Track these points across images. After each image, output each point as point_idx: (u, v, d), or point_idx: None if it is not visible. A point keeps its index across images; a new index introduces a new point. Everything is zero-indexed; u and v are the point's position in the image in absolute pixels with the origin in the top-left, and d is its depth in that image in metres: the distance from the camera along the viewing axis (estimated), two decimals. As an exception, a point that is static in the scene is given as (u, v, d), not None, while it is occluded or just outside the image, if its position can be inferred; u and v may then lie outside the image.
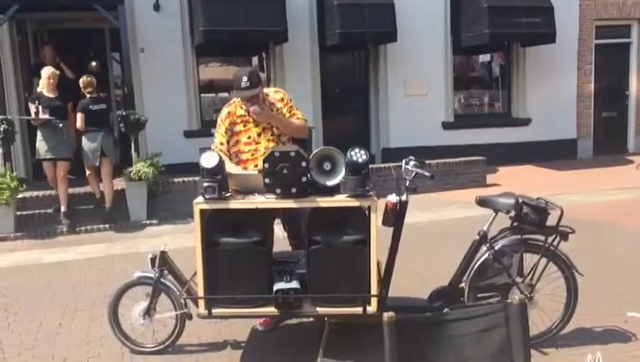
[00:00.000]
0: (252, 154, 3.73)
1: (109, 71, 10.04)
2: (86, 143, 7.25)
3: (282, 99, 3.81)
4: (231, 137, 3.79)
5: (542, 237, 3.45)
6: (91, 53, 9.93)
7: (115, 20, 7.78)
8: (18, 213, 7.16)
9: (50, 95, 7.16)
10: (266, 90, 3.84)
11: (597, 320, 3.89)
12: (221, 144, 3.81)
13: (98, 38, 9.89)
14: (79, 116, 7.18)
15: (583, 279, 3.53)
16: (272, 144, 3.73)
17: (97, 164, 7.29)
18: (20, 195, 7.24)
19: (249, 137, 3.76)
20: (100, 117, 7.33)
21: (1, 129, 7.10)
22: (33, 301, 4.79)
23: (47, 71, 7.24)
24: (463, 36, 10.36)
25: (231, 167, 3.70)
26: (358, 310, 3.32)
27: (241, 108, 3.76)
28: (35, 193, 7.53)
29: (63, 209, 7.15)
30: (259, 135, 3.75)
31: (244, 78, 3.57)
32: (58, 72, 7.32)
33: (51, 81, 7.18)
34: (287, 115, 3.80)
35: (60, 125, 7.04)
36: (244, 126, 3.76)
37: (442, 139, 10.45)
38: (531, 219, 3.40)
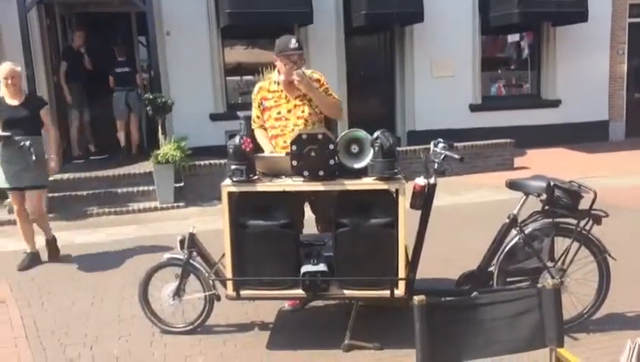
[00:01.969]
0: (281, 130, 3.78)
1: (135, 55, 10.11)
2: (115, 101, 8.85)
3: (319, 80, 3.83)
4: (263, 112, 3.87)
5: (574, 221, 3.39)
6: (118, 37, 10.01)
7: (142, 3, 7.81)
8: (50, 195, 7.29)
9: (14, 102, 5.12)
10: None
11: (629, 305, 3.82)
12: (257, 118, 3.92)
13: (124, 22, 9.95)
14: (110, 78, 8.85)
15: (615, 263, 3.47)
16: (300, 121, 3.75)
17: (126, 118, 8.87)
18: (51, 178, 7.35)
19: (279, 113, 3.80)
20: (125, 78, 8.86)
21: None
22: (65, 281, 4.90)
23: (4, 68, 5.13)
24: (492, 16, 10.15)
25: (263, 141, 3.83)
26: (386, 293, 3.32)
27: (276, 83, 3.81)
28: (65, 175, 7.66)
29: (27, 248, 5.35)
30: (289, 111, 3.78)
31: (293, 40, 3.69)
32: (18, 69, 5.25)
33: (9, 82, 5.06)
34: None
35: (26, 143, 5.01)
36: (275, 102, 3.81)
37: (469, 121, 10.31)
38: (563, 203, 3.34)
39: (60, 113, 9.00)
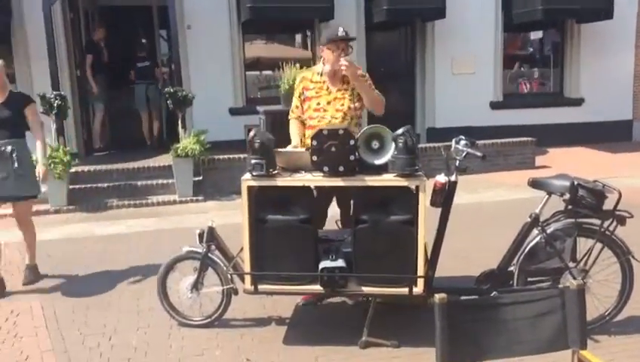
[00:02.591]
0: (319, 121, 3.79)
1: (156, 48, 10.18)
2: (136, 94, 9.38)
3: (363, 76, 3.82)
4: (303, 102, 3.88)
5: (597, 221, 3.33)
6: (139, 30, 10.11)
7: (164, -3, 7.84)
8: (70, 186, 7.38)
9: None
10: None
11: (653, 308, 3.75)
12: (296, 107, 3.95)
13: (146, 16, 10.02)
14: (132, 72, 9.37)
15: (639, 265, 3.40)
16: (339, 114, 3.77)
17: (146, 109, 9.38)
18: (73, 169, 7.46)
19: (318, 104, 3.81)
20: (145, 72, 9.37)
21: (55, 104, 7.31)
22: (85, 271, 4.95)
23: None
24: (515, 12, 10.02)
25: (293, 133, 3.89)
26: (404, 290, 3.29)
27: (319, 74, 3.84)
28: (87, 168, 7.75)
29: (27, 261, 4.75)
30: (328, 103, 3.80)
31: (341, 29, 3.73)
32: (1, 61, 4.51)
33: None
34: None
35: (7, 148, 4.35)
36: (316, 93, 3.83)
37: (490, 119, 10.21)
38: (587, 202, 3.28)
39: (82, 105, 9.12)
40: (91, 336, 3.71)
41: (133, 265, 5.05)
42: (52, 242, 5.90)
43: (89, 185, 7.53)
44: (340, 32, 3.70)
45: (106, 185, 7.57)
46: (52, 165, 7.00)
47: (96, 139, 9.39)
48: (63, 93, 7.66)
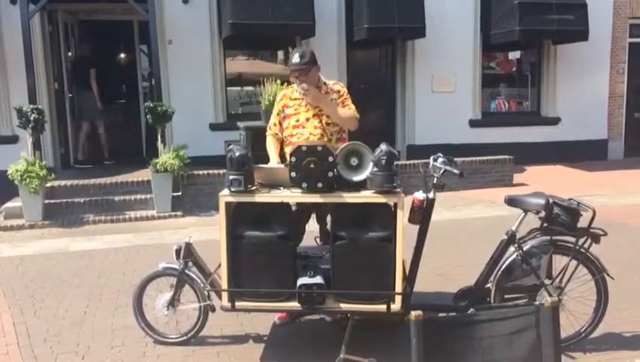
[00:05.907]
0: (297, 138, 3.80)
1: (136, 63, 10.14)
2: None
3: (339, 92, 3.87)
4: (283, 119, 3.90)
5: (572, 239, 3.37)
6: (120, 45, 10.08)
7: (145, 12, 7.83)
8: (46, 201, 7.27)
9: None
10: (324, 79, 3.93)
11: (627, 324, 3.79)
12: (274, 125, 3.96)
13: (127, 30, 10.00)
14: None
15: (613, 282, 3.45)
16: (317, 131, 3.78)
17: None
18: (49, 184, 7.35)
19: (297, 120, 3.83)
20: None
21: (32, 118, 7.21)
22: (59, 288, 4.86)
23: None
24: (493, 33, 10.20)
25: (271, 151, 3.90)
26: (382, 307, 3.29)
27: (297, 92, 3.85)
28: (63, 182, 7.63)
29: None
30: (307, 120, 3.81)
31: (297, 55, 3.72)
32: None
33: None
34: (340, 105, 3.87)
35: None
36: (295, 110, 3.85)
37: (469, 137, 10.32)
38: (562, 220, 3.33)
39: (59, 119, 9.02)
40: (64, 355, 3.63)
41: (109, 282, 4.98)
42: (26, 258, 5.80)
43: (65, 200, 7.42)
44: (295, 58, 3.71)
45: (82, 200, 7.47)
46: (28, 179, 6.89)
47: (78, 154, 9.33)
48: (40, 106, 7.57)
